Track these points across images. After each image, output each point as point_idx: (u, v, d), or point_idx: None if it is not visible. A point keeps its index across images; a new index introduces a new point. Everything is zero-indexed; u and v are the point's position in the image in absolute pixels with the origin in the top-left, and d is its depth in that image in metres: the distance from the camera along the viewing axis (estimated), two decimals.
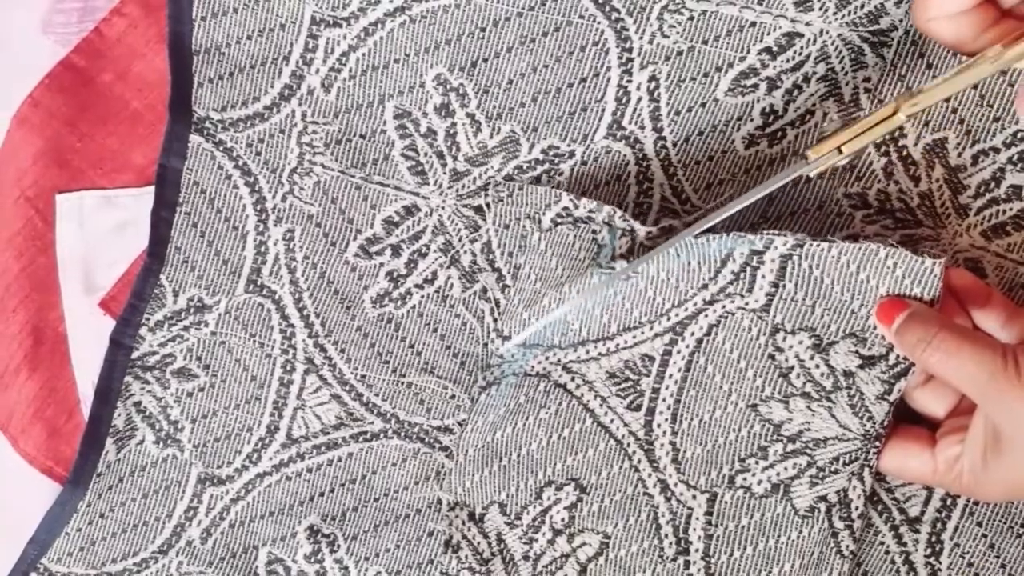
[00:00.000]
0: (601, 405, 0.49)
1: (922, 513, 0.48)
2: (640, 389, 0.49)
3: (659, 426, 0.48)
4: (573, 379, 0.49)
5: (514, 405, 0.50)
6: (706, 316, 0.47)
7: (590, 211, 0.48)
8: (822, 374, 0.46)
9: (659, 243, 0.47)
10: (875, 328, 0.45)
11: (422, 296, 0.52)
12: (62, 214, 0.54)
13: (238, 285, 0.53)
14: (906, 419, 0.47)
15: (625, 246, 0.48)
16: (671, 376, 0.48)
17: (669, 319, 0.48)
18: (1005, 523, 0.48)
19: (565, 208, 0.48)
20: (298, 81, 0.52)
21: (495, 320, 0.50)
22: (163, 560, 0.54)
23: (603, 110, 0.50)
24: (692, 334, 0.48)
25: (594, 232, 0.48)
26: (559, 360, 0.49)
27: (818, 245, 0.44)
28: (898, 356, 0.45)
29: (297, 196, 0.52)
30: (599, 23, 0.50)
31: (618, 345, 0.48)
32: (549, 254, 0.49)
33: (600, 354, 0.49)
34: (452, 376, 0.52)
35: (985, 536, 0.48)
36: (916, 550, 0.49)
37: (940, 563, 0.48)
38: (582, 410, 0.49)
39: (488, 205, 0.50)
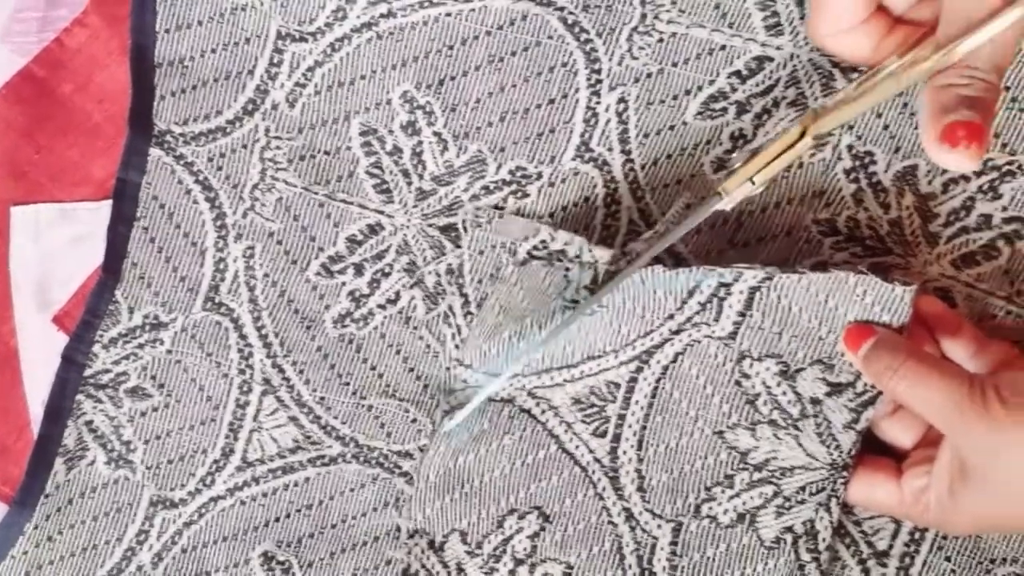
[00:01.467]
0: (566, 431, 0.48)
1: (890, 547, 0.48)
2: (606, 415, 0.48)
3: (625, 452, 0.48)
4: (538, 404, 0.49)
5: (478, 431, 0.49)
6: (672, 345, 0.47)
7: (565, 243, 0.48)
8: (789, 401, 0.45)
9: (621, 268, 0.47)
10: (843, 355, 0.44)
11: (384, 317, 0.52)
12: (17, 227, 0.53)
13: (195, 303, 0.52)
14: (873, 450, 0.46)
15: (588, 278, 0.48)
16: (637, 402, 0.48)
17: (635, 348, 0.47)
18: (974, 558, 0.47)
19: (543, 241, 0.48)
20: (262, 96, 0.51)
21: (456, 347, 0.50)
22: None
23: (571, 131, 0.50)
24: (658, 361, 0.47)
25: (566, 269, 0.48)
26: (524, 386, 0.49)
27: (787, 277, 0.44)
28: (866, 384, 0.44)
29: (258, 212, 0.52)
30: (568, 44, 0.49)
31: (583, 372, 0.48)
32: (517, 288, 0.48)
33: (565, 380, 0.48)
34: (414, 399, 0.51)
35: (954, 572, 0.47)
36: None
37: None
38: (547, 436, 0.49)
39: (465, 228, 0.50)
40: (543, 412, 0.49)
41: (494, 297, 0.49)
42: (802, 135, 0.41)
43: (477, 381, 0.49)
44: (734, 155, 0.44)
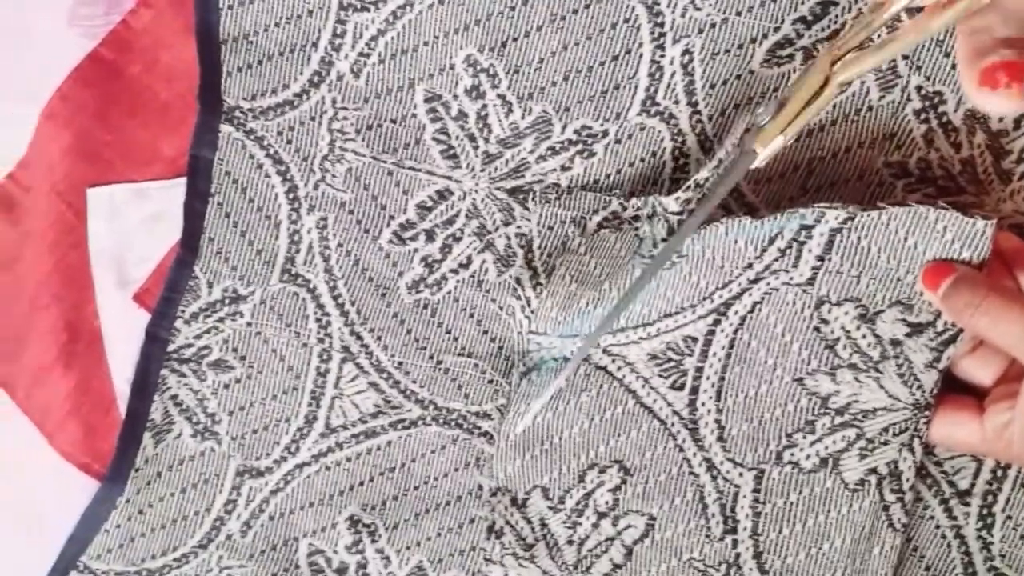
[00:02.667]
0: (643, 386, 0.49)
1: (972, 486, 0.48)
2: (683, 368, 0.49)
3: (703, 404, 0.49)
4: (614, 361, 0.49)
5: (555, 389, 0.50)
6: (750, 295, 0.47)
7: (637, 208, 0.48)
8: (869, 344, 0.46)
9: (691, 210, 0.48)
10: (922, 295, 0.45)
11: (457, 281, 0.53)
12: (93, 208, 0.54)
13: (272, 275, 0.53)
14: (952, 390, 0.47)
15: (663, 231, 0.48)
16: (715, 354, 0.48)
17: (712, 301, 0.48)
18: None
19: (614, 212, 0.49)
20: (327, 67, 0.52)
21: (527, 318, 0.50)
22: (203, 555, 0.54)
23: (636, 87, 0.50)
24: (736, 312, 0.48)
25: (636, 229, 0.48)
26: (598, 344, 0.49)
27: (868, 215, 0.44)
28: (946, 323, 0.45)
29: (329, 183, 0.53)
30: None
31: (659, 330, 0.49)
32: (588, 257, 0.49)
33: (641, 338, 0.49)
34: (490, 360, 0.53)
35: None
36: (967, 524, 0.48)
37: (992, 536, 0.48)
38: (624, 391, 0.50)
39: (535, 202, 0.51)
40: (619, 369, 0.49)
41: (563, 268, 0.49)
42: (826, 82, 0.41)
43: (552, 344, 0.50)
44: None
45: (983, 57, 0.37)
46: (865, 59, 0.41)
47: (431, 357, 0.53)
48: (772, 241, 0.46)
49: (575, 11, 0.50)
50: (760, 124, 0.43)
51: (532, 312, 0.50)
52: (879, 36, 0.43)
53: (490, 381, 0.52)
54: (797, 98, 0.42)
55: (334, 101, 0.52)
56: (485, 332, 0.53)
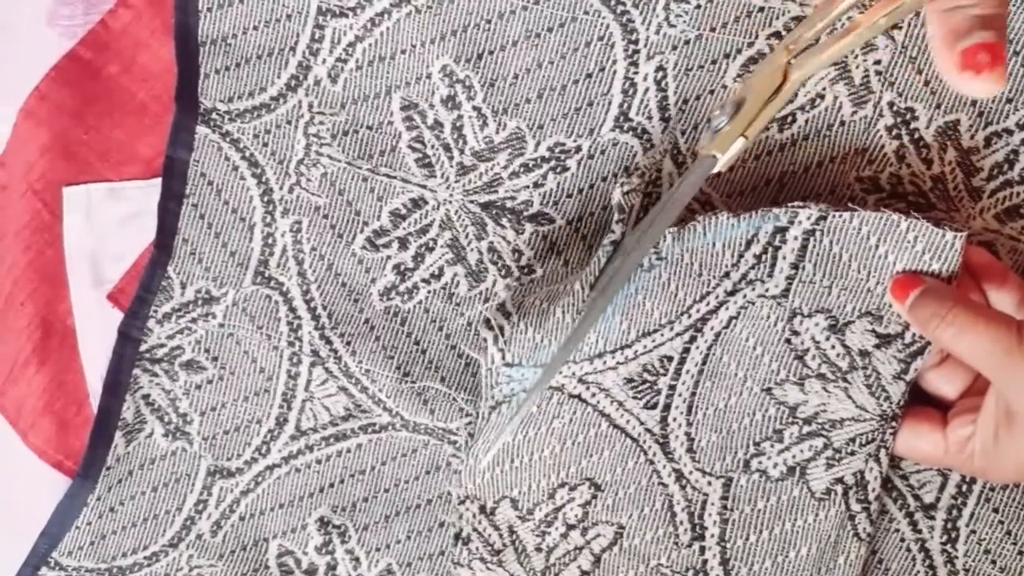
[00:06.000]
0: (617, 409, 0.47)
1: (937, 500, 0.46)
2: (657, 388, 0.46)
3: (675, 419, 0.46)
4: (588, 388, 0.47)
5: (527, 417, 0.47)
6: (726, 309, 0.45)
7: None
8: (838, 355, 0.44)
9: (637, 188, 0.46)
10: (891, 306, 0.43)
11: (429, 291, 0.50)
12: (69, 207, 0.52)
13: (245, 277, 0.51)
14: (917, 402, 0.44)
15: (616, 211, 0.46)
16: (687, 371, 0.46)
17: (690, 316, 0.45)
18: (1022, 509, 0.46)
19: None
20: (305, 72, 0.50)
21: (499, 350, 0.47)
22: (173, 553, 0.52)
23: (609, 103, 0.48)
24: (712, 328, 0.45)
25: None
26: (574, 373, 0.46)
27: (840, 216, 0.42)
28: (914, 335, 0.42)
29: (304, 187, 0.50)
30: (604, 18, 0.48)
31: (636, 352, 0.46)
32: (554, 285, 0.47)
33: (618, 363, 0.46)
34: (456, 378, 0.50)
35: (1002, 523, 0.46)
36: (932, 537, 0.46)
37: (956, 550, 0.46)
38: (597, 416, 0.47)
39: (509, 223, 0.49)
40: (593, 395, 0.47)
41: (532, 296, 0.47)
42: (784, 79, 0.39)
43: (524, 376, 0.46)
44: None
45: (961, 39, 0.34)
46: (822, 52, 0.38)
47: (398, 368, 0.50)
48: (748, 245, 0.44)
49: (549, 29, 0.48)
50: (717, 128, 0.40)
51: (506, 341, 0.47)
52: (830, 32, 0.41)
53: (453, 400, 0.50)
54: (754, 97, 0.39)
55: (311, 106, 0.50)
56: (453, 347, 0.50)
